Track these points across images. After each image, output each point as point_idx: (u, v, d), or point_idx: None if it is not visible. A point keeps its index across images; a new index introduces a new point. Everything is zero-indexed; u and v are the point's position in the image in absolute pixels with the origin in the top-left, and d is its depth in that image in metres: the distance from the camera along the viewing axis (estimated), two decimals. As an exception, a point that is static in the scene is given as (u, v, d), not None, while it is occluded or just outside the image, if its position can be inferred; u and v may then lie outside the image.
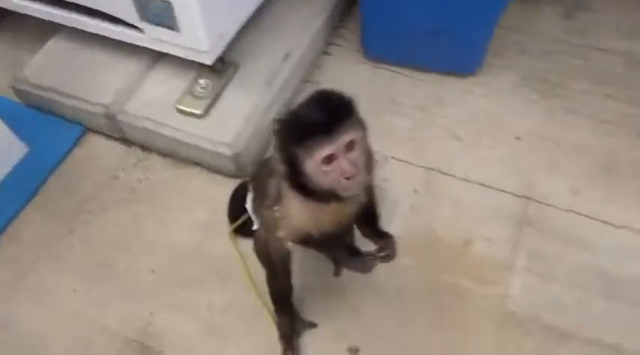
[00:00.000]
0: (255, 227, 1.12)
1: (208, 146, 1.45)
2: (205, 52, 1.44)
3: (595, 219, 1.43)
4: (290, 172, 0.82)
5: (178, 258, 1.39)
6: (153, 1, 1.36)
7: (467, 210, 1.45)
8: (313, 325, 1.26)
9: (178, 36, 1.42)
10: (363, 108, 1.63)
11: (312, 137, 0.77)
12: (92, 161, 1.61)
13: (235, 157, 1.44)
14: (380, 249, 1.10)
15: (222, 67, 1.57)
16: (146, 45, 1.51)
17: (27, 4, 1.62)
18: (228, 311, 1.30)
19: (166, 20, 1.39)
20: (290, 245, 1.03)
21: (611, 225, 1.42)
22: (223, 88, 1.55)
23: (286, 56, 1.63)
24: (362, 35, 1.78)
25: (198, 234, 1.43)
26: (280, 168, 0.84)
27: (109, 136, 1.65)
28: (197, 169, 1.56)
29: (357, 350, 1.24)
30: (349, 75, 1.78)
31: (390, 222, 1.40)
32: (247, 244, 1.38)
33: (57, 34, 1.76)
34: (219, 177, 1.53)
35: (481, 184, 1.51)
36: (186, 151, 1.52)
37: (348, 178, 0.79)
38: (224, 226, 1.43)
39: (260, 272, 1.30)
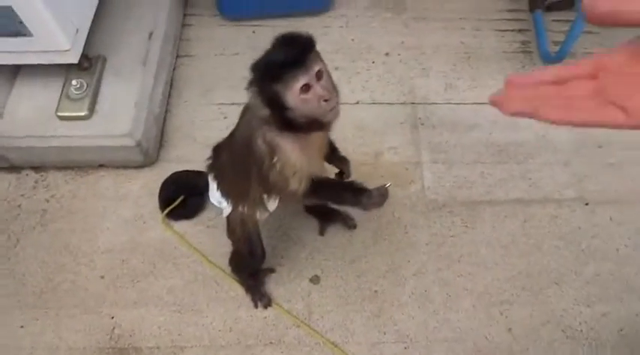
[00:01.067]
0: (225, 212, 1.17)
1: (107, 143, 1.41)
2: (67, 50, 1.37)
3: (471, 103, 1.64)
4: (274, 112, 0.89)
5: (121, 256, 1.37)
6: (-10, 9, 1.25)
7: (368, 128, 1.59)
8: (272, 270, 1.34)
9: (33, 41, 1.33)
10: (241, 69, 1.69)
11: (287, 72, 0.84)
12: (-17, 198, 1.48)
13: (139, 145, 1.42)
14: (341, 173, 1.21)
15: (89, 63, 1.51)
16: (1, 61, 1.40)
17: None
18: (189, 288, 1.33)
19: (14, 28, 1.30)
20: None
21: (483, 103, 1.64)
22: (99, 82, 1.50)
23: (150, 34, 1.60)
24: (214, -2, 1.80)
25: (129, 231, 1.41)
26: (263, 113, 0.90)
27: (-8, 168, 1.52)
28: (102, 171, 1.51)
29: (317, 278, 1.34)
30: (215, 40, 1.79)
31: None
32: (180, 225, 1.42)
33: None
34: (127, 172, 1.50)
35: (372, 103, 1.64)
36: (85, 156, 1.46)
37: (326, 100, 0.87)
38: (152, 215, 1.43)
39: (204, 244, 1.35)
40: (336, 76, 1.66)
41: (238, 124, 1.07)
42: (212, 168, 1.17)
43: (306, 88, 0.86)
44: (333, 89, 0.92)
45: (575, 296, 1.31)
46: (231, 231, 1.20)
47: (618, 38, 1.38)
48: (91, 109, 1.45)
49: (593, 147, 1.54)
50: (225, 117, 1.61)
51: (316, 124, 0.92)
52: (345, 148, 1.53)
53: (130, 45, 1.58)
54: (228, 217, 1.18)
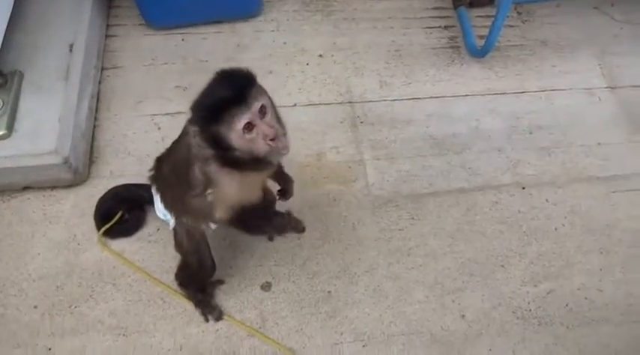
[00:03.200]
0: (171, 224, 1.12)
1: (31, 162, 1.32)
2: (-23, 67, 1.28)
3: (406, 99, 1.66)
4: (217, 152, 0.84)
5: (55, 282, 1.27)
6: None
7: (307, 130, 1.57)
8: (221, 282, 1.29)
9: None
10: (172, 78, 1.63)
11: (228, 111, 0.81)
12: None
13: (66, 162, 1.34)
14: (282, 191, 1.22)
15: (4, 80, 1.41)
16: None
17: None
18: (133, 308, 1.25)
19: None
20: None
21: (418, 98, 1.67)
22: (16, 99, 1.40)
23: (71, 47, 1.52)
24: (139, 7, 1.73)
25: (63, 253, 1.32)
26: (205, 152, 0.85)
27: None
28: (27, 193, 1.40)
29: (269, 284, 1.30)
30: (143, 51, 1.73)
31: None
32: (118, 243, 1.34)
33: None
34: (55, 192, 1.41)
35: (309, 104, 1.63)
36: (7, 178, 1.35)
37: (272, 140, 0.84)
38: (86, 236, 1.34)
39: (145, 261, 1.28)
40: (270, 80, 1.67)
41: (178, 142, 1.02)
42: (155, 179, 1.12)
43: (250, 126, 0.83)
44: (280, 125, 0.89)
45: (522, 277, 1.35)
46: (178, 244, 1.15)
47: (538, 32, 1.45)
48: (10, 128, 1.35)
49: (524, 134, 1.60)
50: (159, 128, 1.55)
51: (262, 163, 0.89)
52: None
53: (48, 59, 1.49)
54: (174, 229, 1.13)
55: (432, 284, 1.32)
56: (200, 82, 1.59)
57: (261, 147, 0.84)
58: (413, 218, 1.43)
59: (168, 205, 1.11)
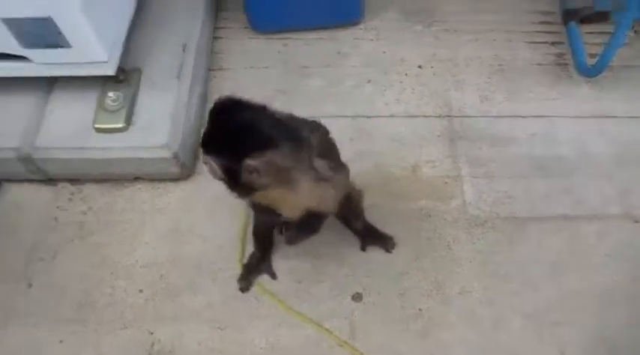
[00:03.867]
0: None
1: (145, 154, 1.39)
2: (105, 62, 1.37)
3: (508, 116, 1.61)
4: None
5: (160, 270, 1.35)
6: (29, 22, 1.24)
7: (403, 141, 1.56)
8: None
9: (71, 53, 1.33)
10: (273, 82, 1.67)
11: None
12: (21, 211, 1.46)
13: (175, 157, 1.41)
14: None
15: (124, 76, 1.49)
16: (39, 73, 1.39)
17: None
18: (229, 304, 1.30)
19: (52, 39, 1.29)
20: None
21: (521, 116, 1.61)
22: (135, 94, 1.49)
23: (184, 47, 1.59)
24: (246, 11, 1.78)
25: (167, 244, 1.39)
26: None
27: (29, 181, 1.50)
28: (138, 184, 1.49)
29: (359, 295, 1.31)
30: (246, 54, 1.78)
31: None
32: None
33: None
34: (163, 184, 1.48)
35: (406, 116, 1.62)
36: (122, 168, 1.44)
37: None
38: (189, 229, 1.41)
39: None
40: (368, 89, 1.68)
41: None
42: None
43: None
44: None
45: (629, 317, 1.27)
46: None
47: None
48: (128, 121, 1.43)
49: (637, 162, 1.51)
50: (258, 130, 1.59)
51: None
52: (381, 162, 1.52)
53: (164, 58, 1.57)
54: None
55: (529, 314, 1.27)
56: (300, 86, 1.65)
57: None
58: (511, 242, 1.39)
59: None
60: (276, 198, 0.95)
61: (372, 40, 1.81)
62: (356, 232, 1.36)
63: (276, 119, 0.88)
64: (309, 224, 1.09)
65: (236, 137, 0.84)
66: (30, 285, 1.35)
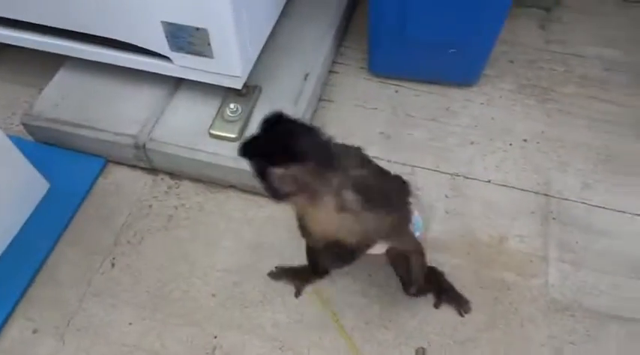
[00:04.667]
0: None
1: (249, 167, 1.46)
2: (237, 76, 1.47)
3: (609, 209, 1.56)
4: None
5: (234, 278, 1.40)
6: (186, 29, 1.36)
7: (496, 209, 1.55)
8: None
9: (211, 63, 1.44)
10: (379, 124, 1.71)
11: None
12: (120, 192, 1.58)
13: (275, 176, 1.47)
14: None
15: (247, 91, 1.60)
16: (174, 74, 1.52)
17: (31, 37, 1.57)
18: (294, 327, 1.32)
19: (200, 48, 1.41)
20: None
21: (621, 212, 1.56)
22: (252, 110, 1.58)
23: (306, 76, 1.68)
24: (369, 52, 1.86)
25: (247, 255, 1.44)
26: None
27: (133, 166, 1.62)
28: (232, 192, 1.57)
29: (424, 350, 1.29)
30: (357, 92, 1.85)
31: (430, 225, 1.48)
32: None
33: (63, 67, 1.72)
34: (256, 198, 1.55)
35: (503, 185, 1.61)
36: (223, 175, 1.52)
37: None
38: (271, 246, 1.45)
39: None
40: (470, 150, 1.69)
41: None
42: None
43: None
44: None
45: None
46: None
47: None
48: (241, 133, 1.52)
49: None
50: (355, 167, 1.63)
51: None
52: (471, 225, 1.52)
53: (285, 81, 1.66)
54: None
55: (600, 417, 1.20)
56: (403, 134, 1.69)
57: None
58: (589, 335, 1.33)
59: None
60: (302, 210, 1.01)
61: (482, 104, 1.83)
62: (434, 285, 1.36)
63: (318, 140, 0.93)
64: (339, 254, 1.10)
65: (271, 145, 0.90)
66: (113, 265, 1.44)
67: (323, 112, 1.79)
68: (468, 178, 1.62)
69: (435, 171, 1.63)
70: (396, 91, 1.86)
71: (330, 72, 1.91)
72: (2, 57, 1.91)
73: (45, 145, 1.65)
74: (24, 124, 1.63)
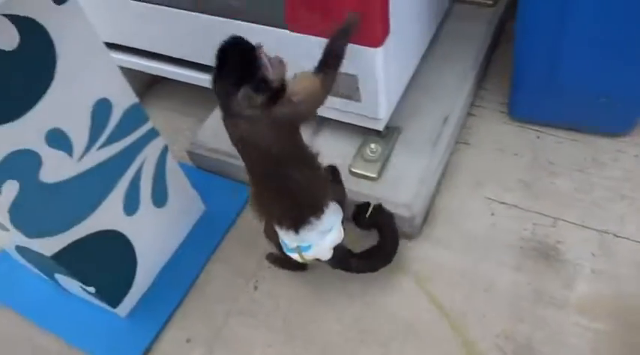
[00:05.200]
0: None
1: (386, 207, 1.52)
2: (380, 119, 1.53)
3: None
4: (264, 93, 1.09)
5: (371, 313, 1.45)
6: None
7: (648, 273, 1.43)
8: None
9: (357, 105, 1.52)
10: (517, 170, 1.67)
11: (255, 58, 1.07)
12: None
13: (412, 218, 1.50)
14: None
15: (387, 132, 1.65)
16: (320, 113, 1.62)
17: (192, 73, 1.76)
18: None
19: (348, 92, 1.49)
20: None
21: None
22: (391, 151, 1.64)
23: (445, 119, 1.70)
24: (510, 96, 1.82)
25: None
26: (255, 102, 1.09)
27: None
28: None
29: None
30: (496, 136, 1.82)
31: (574, 284, 1.41)
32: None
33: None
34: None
35: (658, 247, 1.48)
36: (360, 212, 1.59)
37: (281, 62, 1.10)
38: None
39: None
40: (621, 207, 1.58)
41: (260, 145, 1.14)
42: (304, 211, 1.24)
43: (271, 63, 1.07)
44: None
45: None
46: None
47: None
48: (379, 173, 1.58)
49: None
50: (492, 214, 1.61)
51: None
52: (621, 288, 1.42)
53: (424, 123, 1.69)
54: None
55: None
56: (544, 183, 1.63)
57: (282, 68, 1.09)
58: None
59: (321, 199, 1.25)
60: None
61: (636, 156, 1.71)
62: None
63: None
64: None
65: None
66: (256, 288, 1.56)
67: (459, 155, 1.78)
68: (618, 237, 1.52)
69: (580, 226, 1.55)
70: (537, 137, 1.80)
71: (468, 114, 1.90)
72: (168, 88, 2.17)
73: (203, 171, 1.84)
74: (188, 152, 1.84)
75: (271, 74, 1.06)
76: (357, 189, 1.56)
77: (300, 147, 1.18)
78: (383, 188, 1.56)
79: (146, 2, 1.56)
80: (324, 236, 1.25)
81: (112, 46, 1.77)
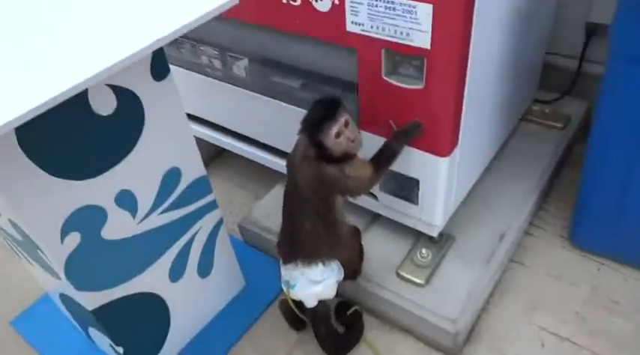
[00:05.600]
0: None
1: (430, 318, 1.46)
2: (436, 225, 1.52)
3: None
4: (317, 151, 1.21)
5: None
6: (400, 176, 1.47)
7: None
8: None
9: (414, 208, 1.52)
10: (574, 302, 1.58)
11: (325, 124, 1.17)
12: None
13: (455, 335, 1.43)
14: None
15: (440, 239, 1.63)
16: (376, 210, 1.63)
17: (253, 150, 1.85)
18: None
19: (407, 194, 1.50)
20: None
21: None
22: (442, 259, 1.60)
23: (502, 237, 1.66)
24: (573, 222, 1.77)
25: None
26: (311, 152, 1.22)
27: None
28: (403, 335, 1.56)
29: None
30: (553, 261, 1.75)
31: None
32: None
33: (280, 182, 1.96)
34: (427, 349, 1.52)
35: None
36: (401, 317, 1.54)
37: (352, 141, 1.21)
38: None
39: None
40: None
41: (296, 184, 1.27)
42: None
43: (339, 134, 1.18)
44: (358, 132, 1.24)
45: None
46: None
47: None
48: (427, 280, 1.54)
49: None
50: (542, 344, 1.51)
51: (345, 156, 1.24)
52: None
53: (479, 237, 1.66)
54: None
55: None
56: (603, 321, 1.53)
57: (344, 145, 1.20)
58: None
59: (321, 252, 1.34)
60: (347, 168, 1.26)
61: None
62: None
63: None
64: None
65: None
66: None
67: (512, 274, 1.72)
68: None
69: (643, 376, 1.42)
70: (598, 269, 1.72)
71: (526, 233, 1.85)
72: (230, 160, 2.25)
73: (250, 246, 1.85)
74: (239, 226, 1.87)
75: (328, 142, 1.19)
76: (401, 293, 1.52)
77: (328, 209, 1.28)
78: (429, 296, 1.51)
79: (223, 81, 1.70)
80: (311, 285, 1.34)
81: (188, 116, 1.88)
